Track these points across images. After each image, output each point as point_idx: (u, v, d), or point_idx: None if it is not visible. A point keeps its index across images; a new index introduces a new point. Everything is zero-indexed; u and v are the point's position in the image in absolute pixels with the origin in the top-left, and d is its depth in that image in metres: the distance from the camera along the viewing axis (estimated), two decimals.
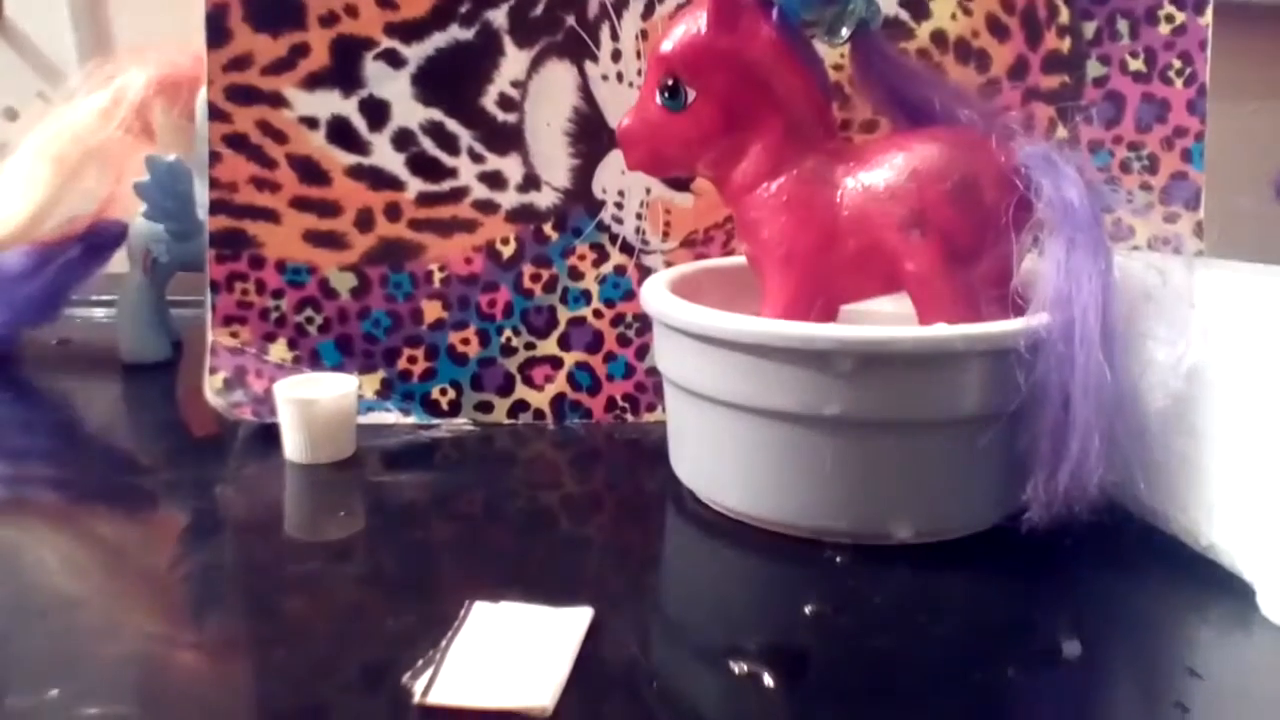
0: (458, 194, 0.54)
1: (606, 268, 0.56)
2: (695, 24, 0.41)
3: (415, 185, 0.54)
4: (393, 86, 0.53)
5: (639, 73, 0.54)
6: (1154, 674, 0.33)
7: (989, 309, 0.40)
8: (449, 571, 0.39)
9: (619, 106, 0.53)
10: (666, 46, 0.42)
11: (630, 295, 0.55)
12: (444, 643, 0.32)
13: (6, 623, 0.34)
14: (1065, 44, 0.57)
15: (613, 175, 0.55)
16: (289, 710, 0.30)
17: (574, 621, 0.33)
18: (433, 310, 0.55)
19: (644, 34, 0.54)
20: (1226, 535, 0.37)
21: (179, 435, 0.56)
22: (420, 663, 0.31)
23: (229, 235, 0.53)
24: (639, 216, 0.55)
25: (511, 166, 0.54)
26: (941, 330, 0.38)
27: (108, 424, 0.59)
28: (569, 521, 0.44)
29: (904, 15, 0.56)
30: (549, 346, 0.55)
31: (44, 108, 0.68)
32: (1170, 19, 0.57)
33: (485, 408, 0.55)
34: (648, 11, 0.54)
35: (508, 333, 0.55)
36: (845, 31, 0.42)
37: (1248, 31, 0.73)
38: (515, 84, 0.54)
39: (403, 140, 0.54)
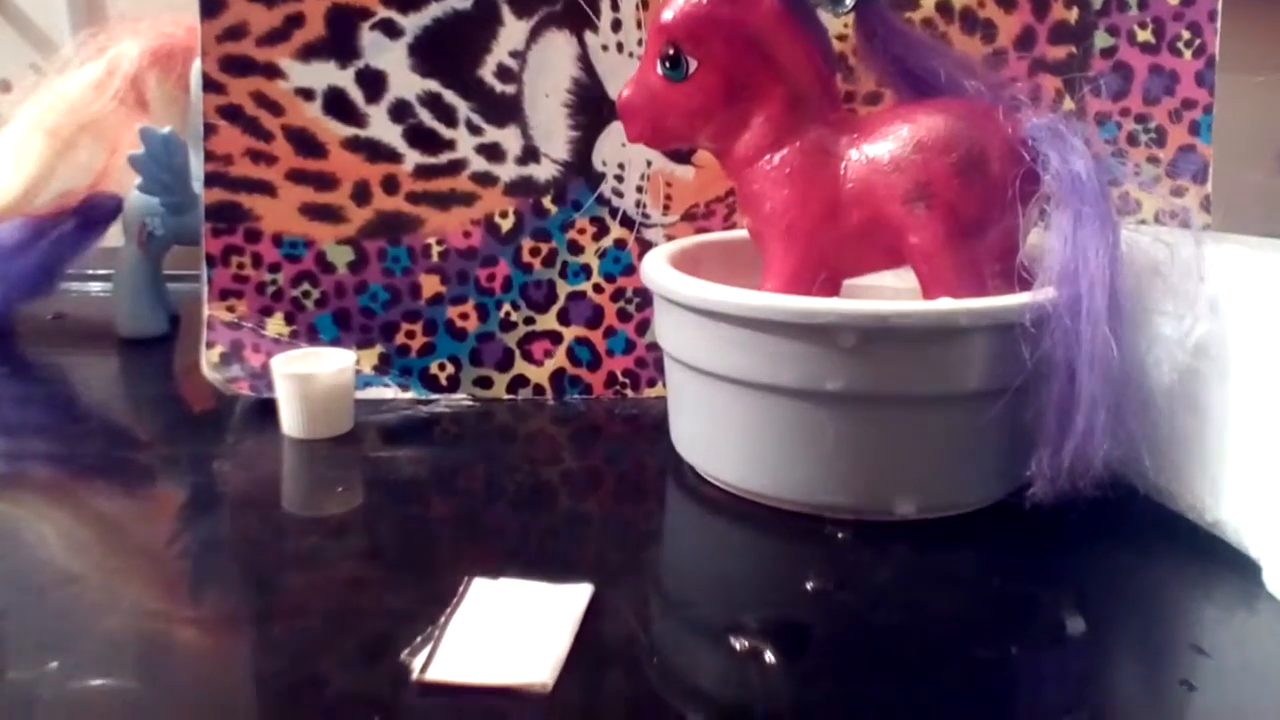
0: (456, 166, 0.54)
1: (606, 241, 0.55)
2: None
3: (413, 158, 0.53)
4: (389, 57, 0.53)
5: (639, 43, 0.53)
6: (1159, 651, 0.33)
7: (994, 283, 0.39)
8: (448, 547, 0.39)
9: (619, 77, 0.52)
10: (668, 16, 0.41)
11: (630, 269, 0.55)
12: (443, 619, 0.32)
13: (5, 597, 0.34)
14: (1073, 14, 0.56)
15: (613, 147, 0.54)
16: (287, 685, 0.30)
17: (574, 598, 0.33)
18: (431, 284, 0.54)
19: (644, 3, 0.53)
20: (1232, 511, 0.36)
21: (176, 410, 0.56)
22: (419, 639, 0.31)
23: (225, 208, 0.53)
24: (639, 189, 0.55)
25: (510, 138, 0.54)
26: (946, 304, 0.38)
27: (104, 399, 0.59)
28: (569, 497, 0.44)
29: None
30: (548, 321, 0.55)
31: (37, 80, 0.67)
32: None
33: (484, 383, 0.55)
34: None
35: (507, 307, 0.55)
36: (849, 1, 0.41)
37: (1257, 3, 0.72)
38: (514, 54, 0.53)
39: (400, 112, 0.53)
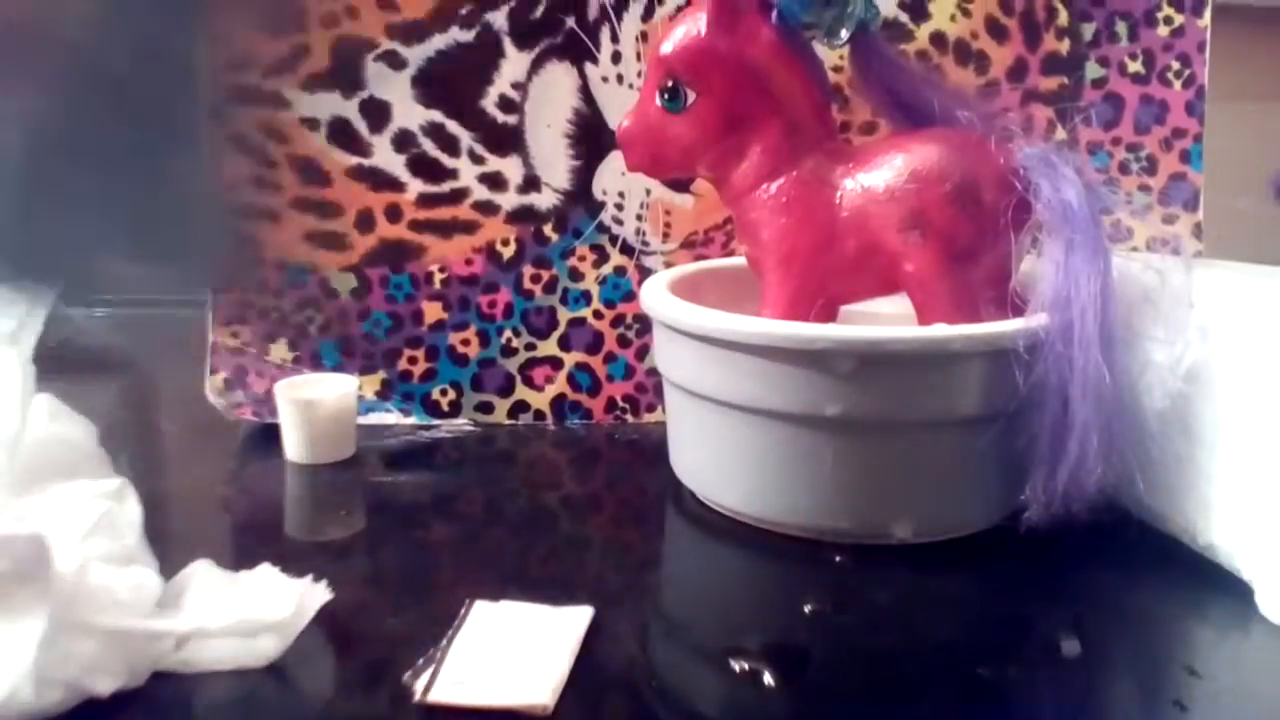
0: (458, 195, 0.54)
1: (606, 269, 0.56)
2: (695, 26, 0.41)
3: (415, 186, 0.54)
4: (393, 88, 0.53)
5: (639, 74, 0.54)
6: (1152, 672, 0.33)
7: (988, 310, 0.40)
8: (449, 571, 0.39)
9: (619, 108, 0.53)
10: (666, 48, 0.42)
11: (630, 296, 0.56)
12: (444, 642, 0.32)
13: None
14: (1064, 45, 0.57)
15: (613, 176, 0.55)
16: (291, 709, 0.30)
17: (574, 621, 0.34)
18: (433, 311, 0.55)
19: (644, 36, 0.54)
20: (1225, 534, 0.37)
21: (179, 436, 0.56)
22: (421, 661, 0.31)
23: None
24: (639, 218, 0.56)
25: (512, 168, 0.54)
26: (941, 331, 0.38)
27: (107, 426, 0.59)
28: (569, 521, 0.44)
29: (903, 17, 0.56)
30: (549, 347, 0.55)
31: None
32: (1169, 21, 0.57)
33: (485, 408, 0.55)
34: (647, 13, 0.54)
35: (508, 333, 0.55)
36: (844, 33, 0.42)
37: (1246, 33, 0.73)
38: (515, 85, 0.54)
39: (403, 141, 0.54)
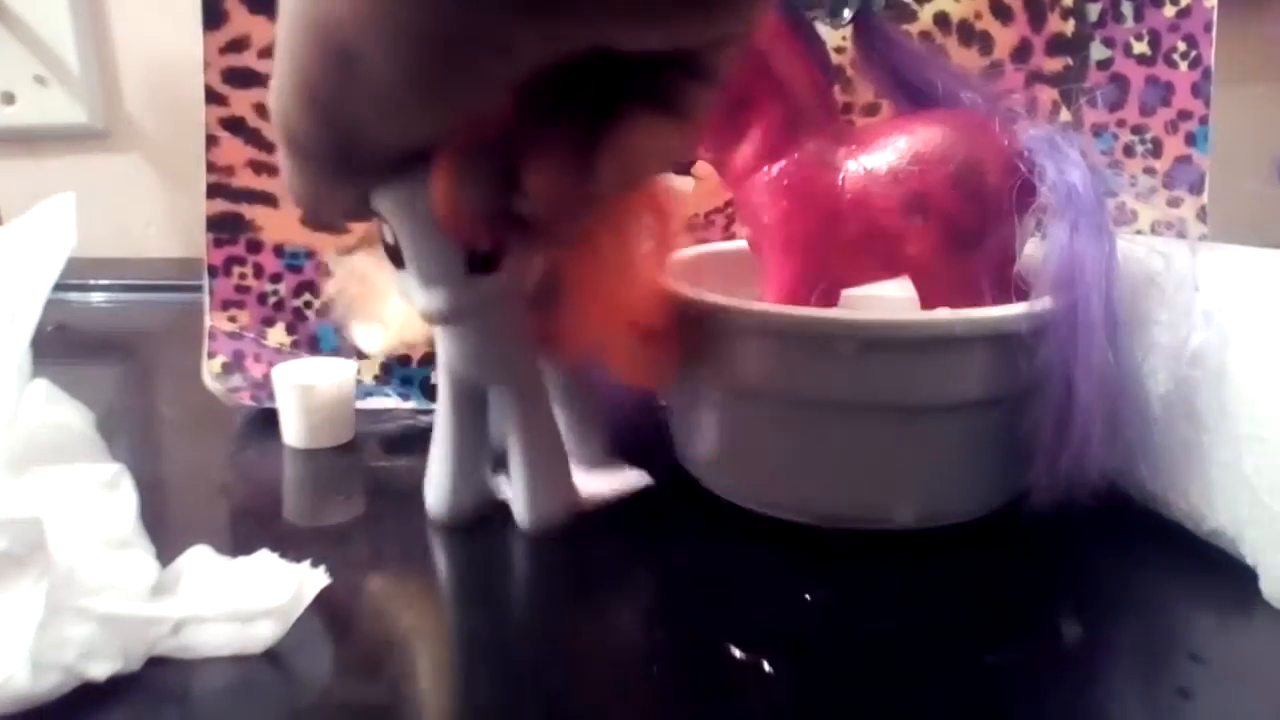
0: None
1: None
2: None
3: None
4: None
5: None
6: (1155, 658, 0.33)
7: (991, 293, 0.40)
8: None
9: None
10: None
11: None
12: None
13: None
14: (1069, 26, 0.56)
15: None
16: (288, 695, 0.30)
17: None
18: None
19: None
20: (1228, 519, 0.36)
21: (177, 421, 0.56)
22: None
23: (227, 219, 0.53)
24: None
25: None
26: (943, 314, 0.38)
27: (105, 411, 0.59)
28: None
29: None
30: None
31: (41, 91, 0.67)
32: (1175, 1, 0.57)
33: None
34: None
35: None
36: (847, 14, 0.42)
37: (1253, 14, 0.72)
38: None
39: None
